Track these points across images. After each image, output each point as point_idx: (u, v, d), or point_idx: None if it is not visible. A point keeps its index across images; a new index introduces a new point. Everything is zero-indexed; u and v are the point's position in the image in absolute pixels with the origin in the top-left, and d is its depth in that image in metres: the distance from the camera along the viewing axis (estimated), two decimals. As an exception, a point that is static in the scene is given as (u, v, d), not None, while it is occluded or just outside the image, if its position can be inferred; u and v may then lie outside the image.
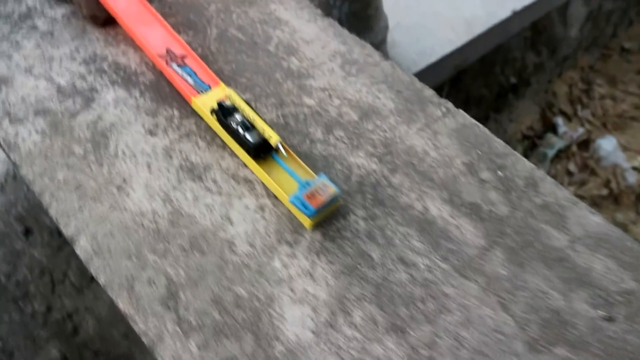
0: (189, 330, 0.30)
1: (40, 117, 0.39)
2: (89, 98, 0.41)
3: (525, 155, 1.44)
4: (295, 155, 0.37)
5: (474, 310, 0.32)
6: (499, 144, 0.41)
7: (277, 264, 0.33)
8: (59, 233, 0.66)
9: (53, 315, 0.64)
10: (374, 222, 0.35)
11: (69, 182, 0.36)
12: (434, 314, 0.32)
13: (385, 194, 0.37)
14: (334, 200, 0.34)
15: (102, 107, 0.40)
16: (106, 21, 0.46)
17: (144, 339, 0.30)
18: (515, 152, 0.41)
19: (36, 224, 0.65)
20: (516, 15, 1.17)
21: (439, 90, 1.15)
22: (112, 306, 0.65)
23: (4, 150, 0.38)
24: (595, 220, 0.37)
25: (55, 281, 0.64)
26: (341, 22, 0.77)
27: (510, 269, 0.34)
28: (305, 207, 0.32)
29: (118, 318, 0.65)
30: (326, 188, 0.33)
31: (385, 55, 0.91)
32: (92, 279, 0.67)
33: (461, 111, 0.44)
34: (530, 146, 1.44)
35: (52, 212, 0.35)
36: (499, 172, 0.39)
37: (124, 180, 0.36)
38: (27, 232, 0.64)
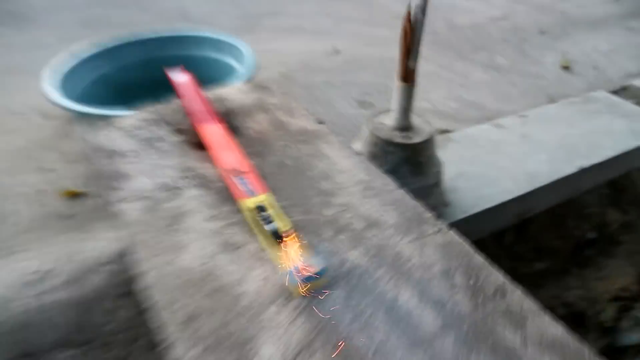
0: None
1: (142, 202, 0.60)
2: (175, 193, 0.61)
3: (618, 318, 1.36)
4: (298, 244, 0.51)
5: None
6: (477, 259, 0.51)
7: (268, 314, 0.45)
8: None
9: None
10: (349, 301, 0.46)
11: (150, 243, 0.54)
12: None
13: (367, 282, 0.48)
14: (318, 276, 0.46)
15: (182, 200, 0.60)
16: (203, 146, 0.69)
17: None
18: (491, 267, 0.50)
19: (134, 288, 0.85)
20: (585, 172, 1.24)
21: (500, 235, 1.22)
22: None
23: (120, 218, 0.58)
24: (554, 330, 0.43)
25: (135, 339, 0.81)
26: (398, 166, 0.94)
27: (457, 349, 0.42)
28: (293, 278, 0.45)
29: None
30: (313, 267, 0.46)
31: (439, 197, 1.04)
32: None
33: (452, 231, 0.55)
34: (623, 308, 1.36)
35: (138, 261, 0.52)
36: (470, 281, 0.48)
37: (184, 244, 0.53)
38: (127, 294, 0.84)
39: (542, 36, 2.23)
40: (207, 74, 1.34)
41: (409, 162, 0.95)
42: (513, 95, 1.73)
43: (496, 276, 0.49)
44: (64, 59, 1.30)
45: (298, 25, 2.34)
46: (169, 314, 0.45)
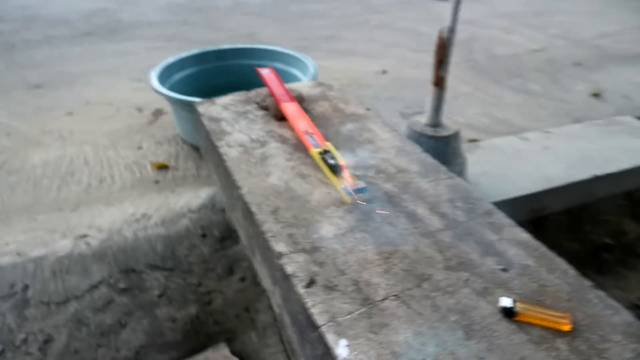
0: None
1: (240, 147, 0.85)
2: (263, 144, 0.86)
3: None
4: (348, 172, 0.74)
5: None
6: (475, 194, 0.72)
7: (327, 211, 0.68)
8: (224, 239, 1.09)
9: (199, 289, 1.03)
10: (382, 209, 0.68)
11: (246, 170, 0.78)
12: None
13: (394, 201, 0.70)
14: (362, 192, 0.69)
15: (268, 148, 0.84)
16: (281, 118, 0.94)
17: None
18: (484, 200, 0.71)
19: (209, 232, 1.10)
20: (599, 179, 1.40)
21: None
22: (236, 293, 1.02)
23: (222, 159, 0.84)
24: (524, 235, 0.64)
25: (208, 269, 1.05)
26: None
27: (453, 239, 0.63)
28: (346, 191, 0.68)
29: (237, 302, 1.01)
30: (359, 186, 0.69)
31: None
32: (231, 272, 1.06)
33: (458, 178, 0.77)
34: None
35: (237, 180, 0.77)
36: (467, 205, 0.70)
37: (270, 172, 0.77)
38: (204, 235, 1.09)
39: (576, 67, 2.40)
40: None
41: (436, 151, 1.17)
42: (541, 116, 1.91)
43: (487, 205, 0.70)
44: (162, 64, 1.62)
45: (350, 49, 2.62)
46: (260, 208, 0.69)
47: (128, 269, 1.07)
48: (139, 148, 1.60)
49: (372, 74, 2.26)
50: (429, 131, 1.16)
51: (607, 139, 1.62)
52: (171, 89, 1.53)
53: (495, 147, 1.57)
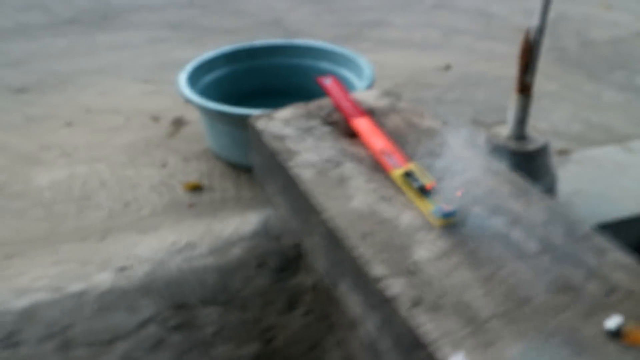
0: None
1: (312, 168, 1.08)
2: (337, 164, 1.09)
3: None
4: (435, 195, 0.96)
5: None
6: (574, 216, 0.94)
7: (418, 235, 0.90)
8: (283, 270, 1.33)
9: (259, 326, 1.27)
10: (474, 232, 0.91)
11: (325, 193, 1.02)
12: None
13: (486, 224, 0.92)
14: (452, 215, 0.91)
15: (343, 169, 1.08)
16: (351, 135, 1.18)
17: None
18: (583, 222, 0.93)
19: (265, 262, 1.34)
20: None
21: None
22: (300, 329, 1.26)
23: (295, 182, 1.07)
24: (627, 260, 0.86)
25: (267, 303, 1.29)
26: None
27: (550, 265, 0.85)
28: (439, 211, 0.91)
29: (301, 339, 1.24)
30: (450, 208, 0.92)
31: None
32: (293, 306, 1.29)
33: (553, 199, 0.98)
34: None
35: (318, 204, 1.00)
36: (564, 228, 0.91)
37: (351, 195, 1.00)
38: (259, 266, 1.33)
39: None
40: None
41: (521, 168, 1.38)
42: (649, 120, 2.12)
43: (586, 227, 0.92)
44: (190, 66, 1.89)
45: (403, 38, 2.87)
46: (350, 232, 0.92)
47: (178, 305, 1.31)
48: (164, 166, 1.86)
49: (432, 70, 2.50)
50: (512, 145, 1.38)
51: None
52: (200, 95, 1.79)
53: (591, 159, 1.78)
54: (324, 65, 2.00)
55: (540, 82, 2.36)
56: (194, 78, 1.86)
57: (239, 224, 1.47)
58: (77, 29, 3.29)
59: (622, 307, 0.78)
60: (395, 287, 0.81)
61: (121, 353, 1.25)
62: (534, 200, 0.99)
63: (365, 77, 1.79)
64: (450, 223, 0.92)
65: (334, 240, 0.94)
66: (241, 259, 1.37)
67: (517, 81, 1.34)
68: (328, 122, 1.24)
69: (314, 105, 1.31)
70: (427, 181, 0.98)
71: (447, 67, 2.49)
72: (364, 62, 1.87)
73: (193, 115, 2.15)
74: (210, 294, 1.33)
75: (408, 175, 1.01)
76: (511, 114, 1.40)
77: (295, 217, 1.14)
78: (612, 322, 0.75)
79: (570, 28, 2.90)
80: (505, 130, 1.44)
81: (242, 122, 1.57)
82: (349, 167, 1.09)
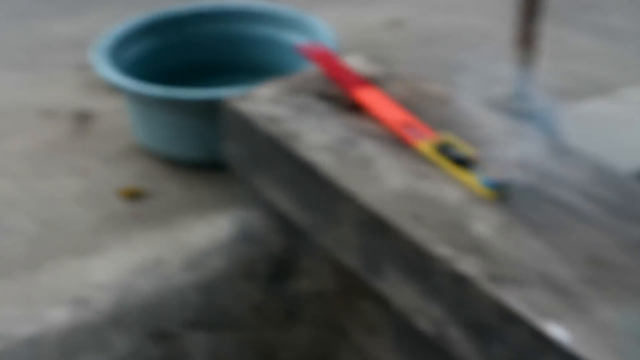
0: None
1: (327, 151, 1.19)
2: (352, 144, 1.20)
3: None
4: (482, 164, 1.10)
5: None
6: (617, 173, 1.11)
7: (469, 208, 1.04)
8: (276, 277, 1.42)
9: (257, 346, 1.35)
10: (529, 202, 1.05)
11: (351, 176, 1.13)
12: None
13: (539, 190, 1.08)
14: (504, 184, 1.06)
15: (362, 148, 1.19)
16: (355, 109, 1.29)
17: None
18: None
19: (254, 271, 1.43)
20: None
21: None
22: (307, 343, 1.36)
23: (311, 168, 1.18)
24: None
25: (263, 319, 1.38)
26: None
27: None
28: (489, 182, 1.05)
29: (309, 355, 1.34)
30: (499, 176, 1.06)
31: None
32: (295, 318, 1.39)
33: (592, 157, 1.15)
34: None
35: (347, 189, 1.11)
36: (613, 185, 1.08)
37: (382, 176, 1.12)
38: (247, 276, 1.42)
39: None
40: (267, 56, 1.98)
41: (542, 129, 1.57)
42: (630, 64, 2.38)
43: (636, 182, 1.09)
44: (104, 42, 1.92)
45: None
46: (395, 214, 1.04)
47: (158, 334, 1.37)
48: (83, 172, 1.89)
49: (380, 27, 2.65)
50: (526, 105, 1.55)
51: None
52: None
53: (579, 115, 1.99)
54: (266, 30, 2.08)
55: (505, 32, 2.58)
56: (112, 58, 1.88)
57: (210, 231, 1.55)
58: None
59: None
60: (468, 264, 0.94)
61: (101, 400, 1.30)
62: (576, 161, 1.16)
63: (325, 43, 1.90)
64: (504, 193, 1.07)
65: (378, 226, 1.06)
66: (224, 270, 1.45)
67: (518, 32, 1.51)
68: (325, 96, 1.35)
69: (297, 78, 1.41)
70: (469, 151, 1.12)
71: (399, 23, 2.65)
72: (319, 23, 1.98)
73: (101, 105, 2.17)
74: (195, 316, 1.40)
75: (443, 146, 1.14)
76: (510, 73, 1.57)
77: (308, 209, 1.24)
78: None
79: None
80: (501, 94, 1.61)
81: (195, 109, 1.64)
82: (367, 145, 1.20)
